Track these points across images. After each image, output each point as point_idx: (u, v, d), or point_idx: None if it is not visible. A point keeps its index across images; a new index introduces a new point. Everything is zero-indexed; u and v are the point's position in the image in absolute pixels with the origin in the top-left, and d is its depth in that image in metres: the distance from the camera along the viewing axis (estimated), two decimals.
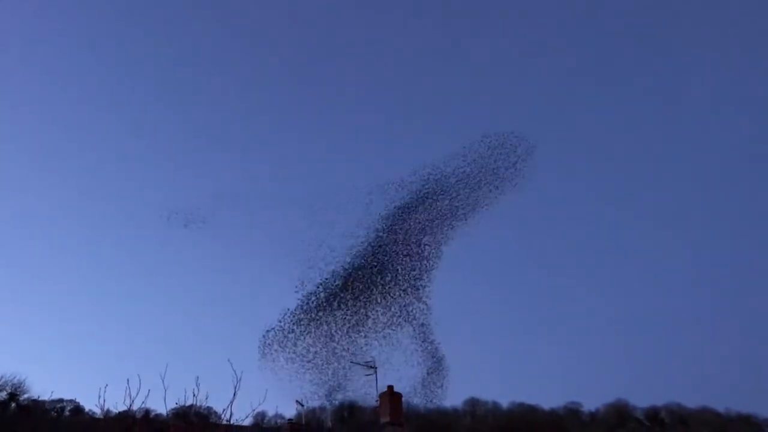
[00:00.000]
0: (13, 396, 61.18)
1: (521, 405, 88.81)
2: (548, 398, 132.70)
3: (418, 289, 27.05)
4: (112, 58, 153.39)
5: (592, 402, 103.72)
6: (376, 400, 25.62)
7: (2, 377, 59.94)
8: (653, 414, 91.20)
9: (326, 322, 26.71)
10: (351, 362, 27.53)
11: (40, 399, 63.45)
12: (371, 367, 26.97)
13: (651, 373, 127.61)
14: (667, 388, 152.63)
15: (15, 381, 60.77)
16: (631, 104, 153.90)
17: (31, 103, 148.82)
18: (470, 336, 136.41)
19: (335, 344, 26.67)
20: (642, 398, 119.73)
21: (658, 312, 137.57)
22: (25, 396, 62.61)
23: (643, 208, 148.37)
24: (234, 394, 13.25)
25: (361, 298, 26.71)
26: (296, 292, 26.98)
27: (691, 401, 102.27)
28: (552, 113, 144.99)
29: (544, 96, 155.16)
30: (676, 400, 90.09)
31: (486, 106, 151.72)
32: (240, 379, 13.10)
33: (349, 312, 26.66)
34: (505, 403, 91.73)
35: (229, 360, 13.48)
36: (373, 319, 26.68)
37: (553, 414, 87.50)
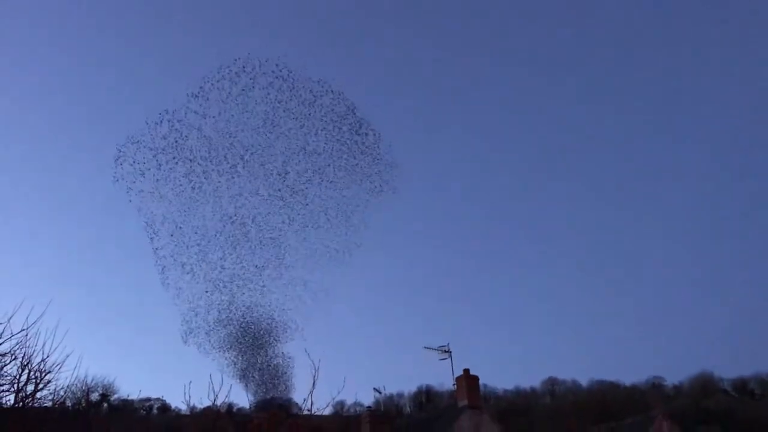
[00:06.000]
0: (104, 396, 64.14)
1: (601, 382, 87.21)
2: (630, 374, 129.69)
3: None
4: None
5: (675, 376, 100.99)
6: (453, 384, 25.41)
7: (93, 379, 62.81)
8: (741, 385, 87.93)
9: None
10: (424, 347, 27.36)
11: (129, 398, 66.53)
12: (446, 351, 26.78)
13: (736, 345, 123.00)
14: (755, 359, 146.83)
15: (105, 382, 63.69)
16: None
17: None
18: (547, 316, 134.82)
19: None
20: (728, 370, 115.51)
21: (740, 282, 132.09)
22: (116, 396, 65.67)
23: None
24: (313, 384, 13.32)
25: None
26: None
27: None
28: None
29: None
30: (765, 370, 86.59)
31: None
32: (318, 369, 13.13)
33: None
34: (584, 381, 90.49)
35: (306, 350, 13.53)
36: None
37: (634, 389, 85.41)
